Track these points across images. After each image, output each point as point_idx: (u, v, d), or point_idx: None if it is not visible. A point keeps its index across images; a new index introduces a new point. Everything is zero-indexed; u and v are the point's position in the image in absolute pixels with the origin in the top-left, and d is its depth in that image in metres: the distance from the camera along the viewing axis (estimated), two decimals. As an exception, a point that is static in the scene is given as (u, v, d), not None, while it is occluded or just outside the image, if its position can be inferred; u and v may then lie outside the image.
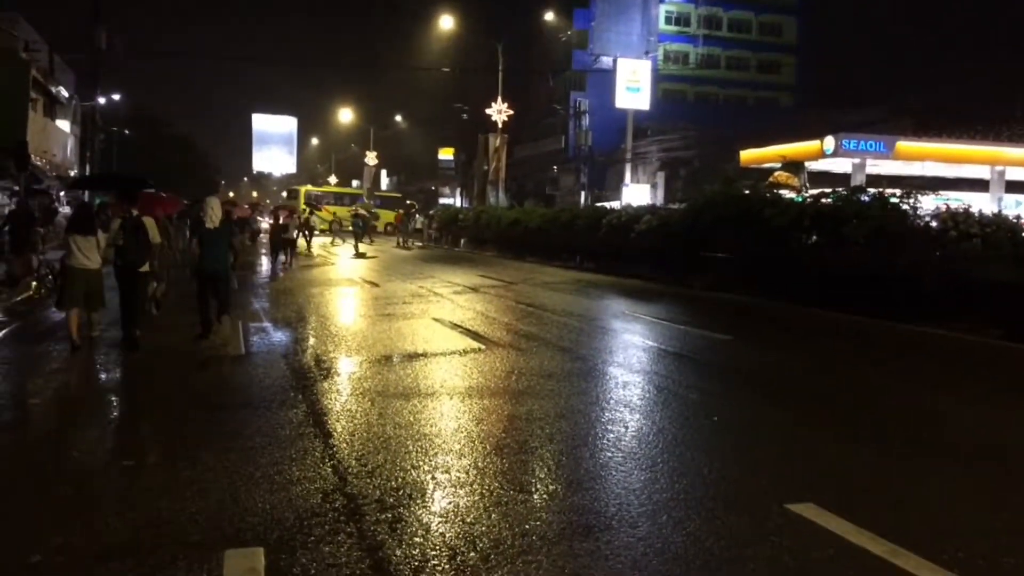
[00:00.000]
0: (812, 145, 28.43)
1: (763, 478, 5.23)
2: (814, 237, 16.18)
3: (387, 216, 50.70)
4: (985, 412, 7.42)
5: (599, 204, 35.25)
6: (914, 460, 5.76)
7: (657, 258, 21.28)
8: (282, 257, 23.78)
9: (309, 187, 65.73)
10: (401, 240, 39.55)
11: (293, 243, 25.21)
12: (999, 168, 30.18)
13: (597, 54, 52.04)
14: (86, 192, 32.35)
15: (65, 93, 36.95)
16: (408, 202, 54.98)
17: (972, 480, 5.32)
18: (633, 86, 42.38)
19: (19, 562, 3.83)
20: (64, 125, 38.36)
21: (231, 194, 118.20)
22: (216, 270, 10.61)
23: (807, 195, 18.58)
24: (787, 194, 19.26)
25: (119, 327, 9.90)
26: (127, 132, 53.30)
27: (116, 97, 51.49)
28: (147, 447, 5.99)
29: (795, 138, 29.65)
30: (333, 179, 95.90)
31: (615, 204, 31.87)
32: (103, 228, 10.18)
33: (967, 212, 13.69)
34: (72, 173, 37.23)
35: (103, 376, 8.67)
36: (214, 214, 10.66)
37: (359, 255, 30.40)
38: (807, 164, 26.28)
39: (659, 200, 38.60)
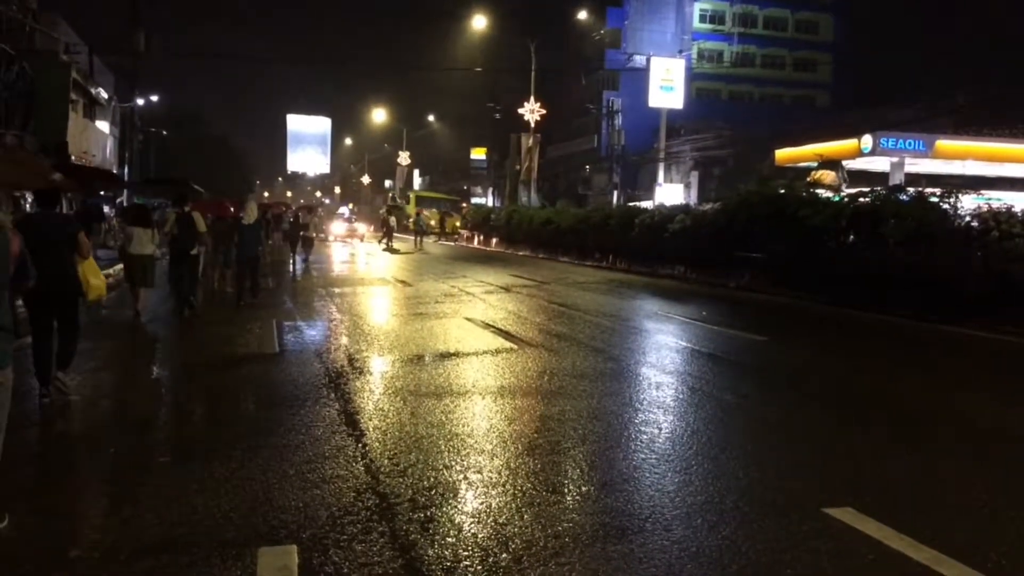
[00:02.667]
0: (849, 144, 28.02)
1: (800, 481, 5.15)
2: (851, 237, 15.94)
3: (433, 216, 51.25)
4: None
5: (632, 204, 35.07)
6: (955, 464, 5.63)
7: (691, 258, 21.12)
8: (300, 255, 23.82)
9: (417, 191, 68.69)
10: (386, 241, 36.80)
11: (310, 241, 25.35)
12: (1039, 165, 29.52)
13: (630, 53, 51.80)
14: (125, 192, 32.85)
15: (104, 94, 37.53)
16: (391, 200, 56.25)
17: (1016, 486, 5.18)
18: (667, 85, 42.10)
19: (57, 557, 3.88)
20: (104, 126, 38.98)
21: (266, 194, 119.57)
22: (252, 255, 13.81)
23: (844, 194, 18.33)
24: (824, 193, 19.01)
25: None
26: (164, 133, 54.06)
27: (154, 98, 52.28)
28: (182, 444, 6.04)
29: (832, 137, 29.24)
30: (366, 179, 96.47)
31: (648, 204, 31.68)
32: (156, 224, 12.91)
33: (1010, 211, 13.40)
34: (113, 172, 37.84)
35: (140, 373, 8.78)
36: (251, 212, 13.91)
37: (419, 249, 33.44)
38: (844, 163, 25.92)
39: (692, 200, 38.28)
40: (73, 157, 27.76)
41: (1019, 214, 13.28)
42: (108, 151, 40.09)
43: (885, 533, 4.20)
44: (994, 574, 3.77)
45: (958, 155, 28.48)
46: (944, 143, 28.19)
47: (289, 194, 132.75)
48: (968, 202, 14.87)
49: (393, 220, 40.09)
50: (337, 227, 49.89)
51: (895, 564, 3.89)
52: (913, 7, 50.89)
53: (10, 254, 4.13)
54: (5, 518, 4.16)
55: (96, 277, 7.30)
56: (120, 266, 15.46)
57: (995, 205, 14.13)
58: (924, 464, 5.60)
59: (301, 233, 23.79)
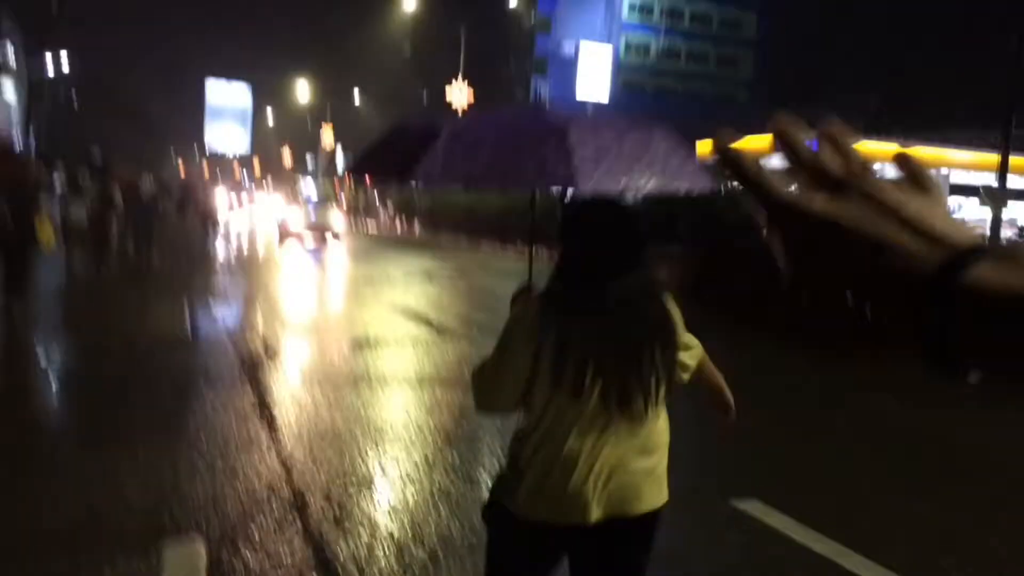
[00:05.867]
0: (767, 140, 28.72)
1: (711, 475, 5.27)
2: (766, 232, 16.35)
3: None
4: (936, 414, 7.57)
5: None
6: (859, 458, 5.85)
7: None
8: (209, 234, 22.41)
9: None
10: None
11: (215, 219, 23.23)
12: (944, 170, 30.88)
13: (560, 40, 51.95)
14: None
15: (12, 59, 35.68)
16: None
17: (917, 480, 5.41)
18: (594, 74, 42.41)
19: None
20: (9, 94, 37.07)
21: (181, 167, 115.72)
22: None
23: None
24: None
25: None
26: (73, 98, 51.69)
27: (64, 62, 49.95)
28: (82, 433, 5.81)
29: (751, 133, 29.94)
30: (286, 152, 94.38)
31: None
32: None
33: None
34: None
35: (43, 355, 8.41)
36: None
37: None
38: (763, 160, 26.60)
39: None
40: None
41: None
42: (13, 121, 38.12)
43: (791, 526, 4.33)
44: (891, 565, 3.93)
45: (868, 156, 29.40)
46: (856, 144, 29.17)
47: (206, 166, 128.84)
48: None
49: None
50: (293, 220, 25.98)
51: (800, 556, 4.02)
52: (834, 11, 52.42)
53: None
54: None
55: None
56: None
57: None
58: (829, 458, 5.80)
59: (202, 209, 22.86)
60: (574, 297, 2.14)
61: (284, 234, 24.92)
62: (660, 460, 2.23)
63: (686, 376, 2.43)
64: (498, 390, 2.20)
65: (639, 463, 2.15)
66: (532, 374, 2.10)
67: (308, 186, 57.62)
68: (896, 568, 3.91)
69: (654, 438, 2.20)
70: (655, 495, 2.20)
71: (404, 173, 2.46)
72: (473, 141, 2.46)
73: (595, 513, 2.09)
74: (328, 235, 25.22)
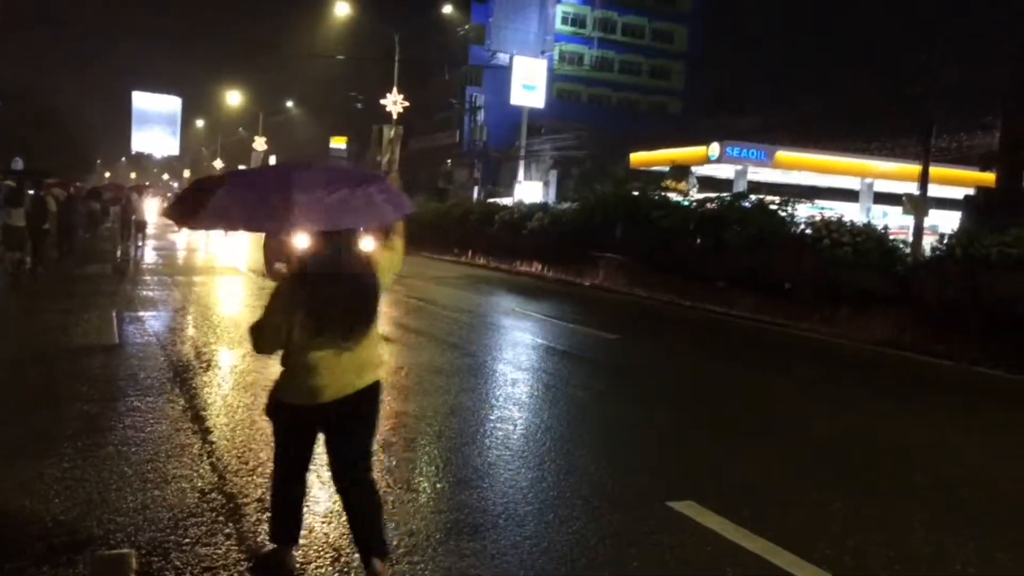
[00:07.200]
0: (699, 150, 29.32)
1: (646, 476, 5.35)
2: (699, 240, 16.69)
3: None
4: (860, 418, 7.82)
5: (492, 200, 35.34)
6: (788, 459, 6.01)
7: (549, 255, 21.52)
8: (135, 241, 21.50)
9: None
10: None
11: (143, 224, 22.37)
12: (868, 180, 31.92)
13: (494, 50, 52.13)
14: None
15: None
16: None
17: (844, 480, 5.58)
18: (529, 84, 42.70)
19: None
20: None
21: (107, 175, 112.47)
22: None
23: (694, 199, 19.17)
24: (675, 197, 19.82)
25: None
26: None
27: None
28: (8, 442, 5.60)
29: (683, 143, 30.51)
30: (219, 163, 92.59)
31: (508, 200, 32.02)
32: None
33: (839, 221, 14.39)
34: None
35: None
36: None
37: None
38: (694, 169, 27.08)
39: (551, 198, 38.96)
40: None
41: (848, 224, 14.30)
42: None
43: (723, 525, 4.43)
44: (820, 562, 4.05)
45: (796, 166, 30.35)
46: (783, 154, 29.95)
47: (133, 175, 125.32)
48: (803, 211, 15.90)
49: None
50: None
51: (731, 554, 4.11)
52: (762, 24, 53.88)
53: None
54: None
55: None
56: None
57: (827, 215, 15.16)
58: (760, 459, 5.94)
59: (133, 217, 22.14)
60: (314, 276, 3.39)
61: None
62: (369, 361, 3.60)
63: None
64: (269, 339, 3.48)
65: (355, 365, 3.50)
66: (290, 325, 3.39)
67: None
68: (824, 564, 4.03)
69: (366, 352, 3.56)
70: (369, 378, 3.58)
71: (191, 220, 3.20)
72: (240, 193, 3.24)
73: (328, 395, 3.46)
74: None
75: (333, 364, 3.44)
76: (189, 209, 3.24)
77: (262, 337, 3.49)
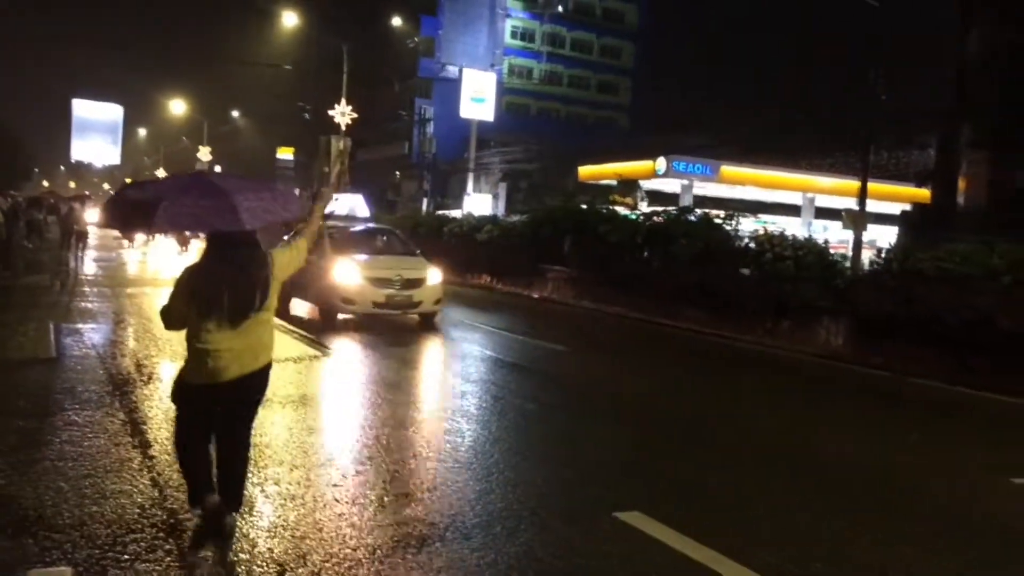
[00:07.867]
0: (646, 165, 29.68)
1: (594, 487, 5.38)
2: (646, 253, 16.89)
3: None
4: (805, 427, 7.98)
5: (441, 212, 35.29)
6: (733, 469, 6.10)
7: (498, 267, 21.56)
8: (76, 251, 21.00)
9: None
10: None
11: (84, 234, 22.26)
12: (810, 195, 32.66)
13: (444, 63, 52.19)
14: None
15: None
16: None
17: (787, 485, 5.69)
18: (478, 97, 42.85)
19: None
20: None
21: (45, 183, 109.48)
22: None
23: (640, 213, 19.41)
24: (622, 211, 20.05)
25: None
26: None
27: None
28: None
29: (631, 157, 30.87)
30: (161, 173, 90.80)
31: (457, 213, 32.00)
32: None
33: (782, 235, 14.70)
34: None
35: None
36: None
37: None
38: (641, 183, 27.43)
39: (500, 211, 39.08)
40: None
41: (790, 238, 14.61)
42: None
43: (669, 535, 4.47)
44: (764, 570, 4.12)
45: (740, 181, 30.92)
46: (728, 169, 30.50)
47: (73, 184, 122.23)
48: (748, 225, 16.20)
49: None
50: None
51: (678, 564, 4.15)
52: (707, 43, 54.86)
53: None
54: None
55: None
56: None
57: (770, 229, 15.47)
58: (706, 469, 6.02)
59: (75, 227, 21.58)
60: (211, 264, 3.96)
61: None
62: (260, 343, 4.07)
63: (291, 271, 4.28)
64: (174, 317, 4.03)
65: (247, 346, 3.98)
66: (189, 307, 3.93)
67: None
68: (767, 572, 4.10)
69: (257, 333, 4.03)
70: (261, 361, 4.10)
71: (143, 227, 3.94)
72: (175, 197, 3.70)
73: (226, 376, 3.94)
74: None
75: (230, 347, 3.92)
76: (136, 219, 3.83)
77: (169, 316, 4.06)
